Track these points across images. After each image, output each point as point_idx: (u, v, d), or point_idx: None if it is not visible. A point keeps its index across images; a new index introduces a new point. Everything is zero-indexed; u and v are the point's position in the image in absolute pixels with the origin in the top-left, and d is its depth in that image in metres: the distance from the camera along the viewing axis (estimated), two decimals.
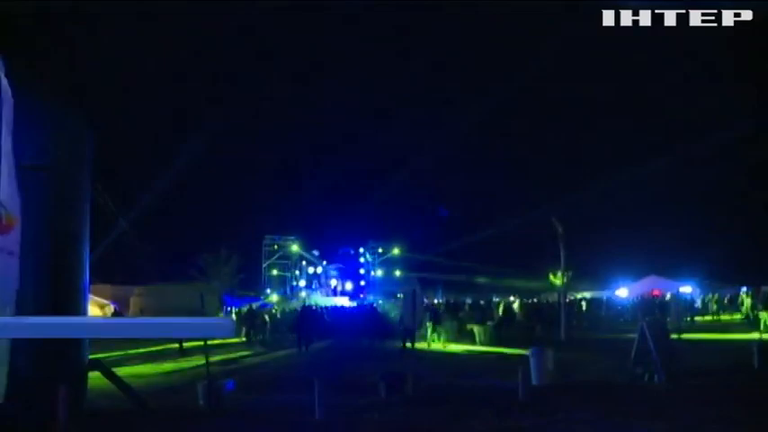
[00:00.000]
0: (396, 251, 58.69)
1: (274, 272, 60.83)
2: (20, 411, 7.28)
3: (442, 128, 75.22)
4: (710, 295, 33.93)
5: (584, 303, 34.02)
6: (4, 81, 7.29)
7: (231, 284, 46.02)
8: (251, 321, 26.28)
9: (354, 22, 56.03)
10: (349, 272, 60.74)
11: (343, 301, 48.46)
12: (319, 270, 60.29)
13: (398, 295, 41.98)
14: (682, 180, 45.45)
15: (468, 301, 35.80)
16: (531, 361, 11.27)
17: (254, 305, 34.63)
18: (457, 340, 21.66)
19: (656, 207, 52.65)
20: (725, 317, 31.17)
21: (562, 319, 22.32)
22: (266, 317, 28.18)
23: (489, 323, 23.37)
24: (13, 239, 7.32)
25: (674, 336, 13.50)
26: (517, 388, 9.80)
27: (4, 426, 7.33)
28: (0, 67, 7.43)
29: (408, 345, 16.92)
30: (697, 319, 28.51)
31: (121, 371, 11.57)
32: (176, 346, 19.72)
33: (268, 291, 56.09)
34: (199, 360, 13.20)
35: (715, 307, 32.35)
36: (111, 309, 30.63)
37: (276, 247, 60.39)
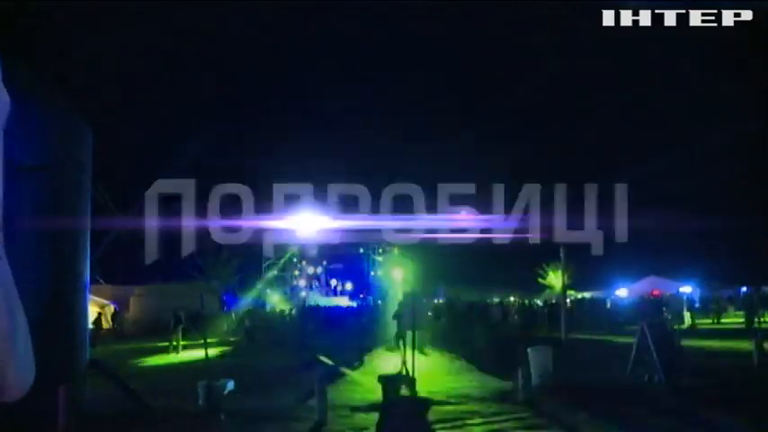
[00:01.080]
0: (396, 251, 58.65)
1: (274, 272, 60.74)
2: (19, 411, 7.27)
3: (443, 127, 75.29)
4: (714, 295, 33.60)
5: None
6: None
7: (231, 284, 45.88)
8: (251, 321, 26.50)
9: (357, 19, 56.09)
10: (349, 272, 60.70)
11: (344, 301, 48.47)
12: (319, 270, 60.21)
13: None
14: (682, 180, 45.37)
15: (471, 300, 35.72)
16: (531, 361, 11.25)
17: (254, 307, 34.63)
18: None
19: (656, 207, 52.53)
20: (727, 320, 30.95)
21: (562, 320, 22.30)
22: (266, 317, 28.32)
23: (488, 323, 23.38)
24: None
25: (676, 326, 13.44)
26: (517, 388, 9.80)
27: (3, 426, 7.33)
28: None
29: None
30: (697, 322, 28.13)
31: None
32: (166, 344, 19.70)
33: (268, 291, 56.00)
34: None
35: (716, 308, 32.13)
36: (111, 309, 30.63)
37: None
